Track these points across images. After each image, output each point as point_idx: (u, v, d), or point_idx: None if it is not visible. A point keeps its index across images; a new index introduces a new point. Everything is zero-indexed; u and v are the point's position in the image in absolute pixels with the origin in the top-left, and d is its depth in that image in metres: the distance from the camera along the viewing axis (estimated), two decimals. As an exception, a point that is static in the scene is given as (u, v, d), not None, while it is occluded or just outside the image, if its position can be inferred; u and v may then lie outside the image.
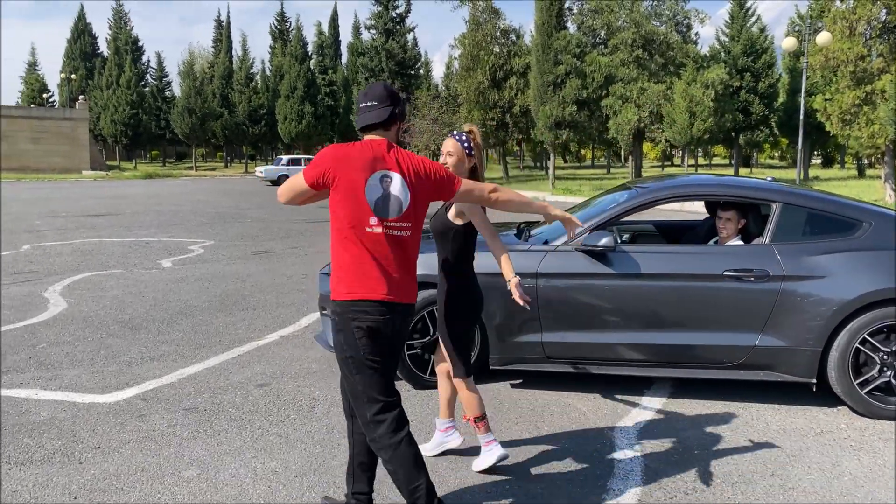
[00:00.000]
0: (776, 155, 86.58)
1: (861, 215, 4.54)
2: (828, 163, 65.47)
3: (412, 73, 46.27)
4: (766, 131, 41.15)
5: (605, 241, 4.48)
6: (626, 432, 4.17)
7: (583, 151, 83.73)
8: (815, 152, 58.18)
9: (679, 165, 74.16)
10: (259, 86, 59.75)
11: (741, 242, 4.82)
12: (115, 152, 66.74)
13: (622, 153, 68.09)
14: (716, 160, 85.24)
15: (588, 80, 27.88)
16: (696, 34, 40.87)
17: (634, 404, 4.62)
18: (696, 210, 14.67)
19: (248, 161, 61.31)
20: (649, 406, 4.59)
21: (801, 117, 20.92)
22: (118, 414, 4.45)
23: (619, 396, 4.75)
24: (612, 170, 58.64)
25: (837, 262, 4.39)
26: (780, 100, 39.82)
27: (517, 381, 5.04)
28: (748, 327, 4.46)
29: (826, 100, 22.79)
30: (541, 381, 5.02)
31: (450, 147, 3.47)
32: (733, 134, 39.00)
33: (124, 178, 46.16)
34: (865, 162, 40.91)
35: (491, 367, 4.84)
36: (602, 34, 30.17)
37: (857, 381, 4.33)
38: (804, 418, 4.40)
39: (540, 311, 4.64)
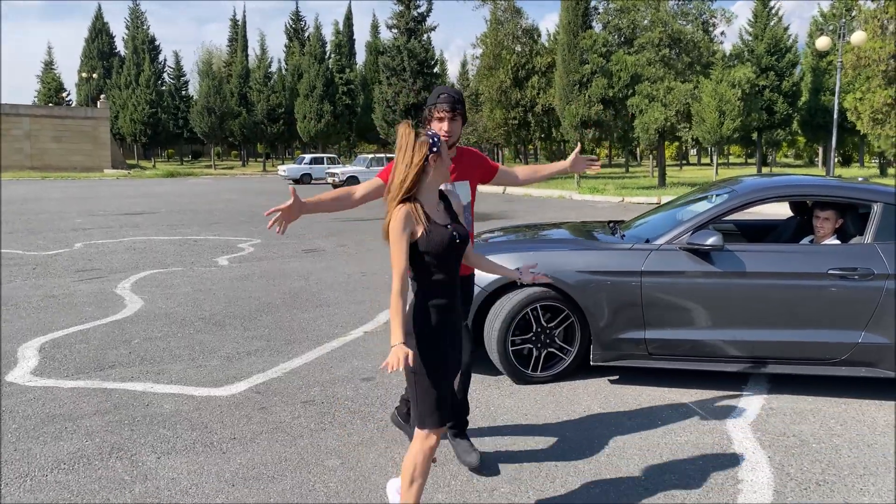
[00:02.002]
0: (791, 153, 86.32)
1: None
2: (846, 161, 65.19)
3: (433, 72, 46.38)
4: (787, 130, 41.11)
5: (712, 240, 4.60)
6: (738, 426, 4.29)
7: (598, 150, 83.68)
8: (836, 151, 57.93)
9: (695, 164, 73.96)
10: (277, 85, 60.03)
11: (838, 242, 4.92)
12: (133, 151, 67.23)
13: (639, 152, 67.98)
14: (731, 159, 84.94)
15: (614, 80, 27.96)
16: (722, 33, 40.82)
17: (738, 400, 4.74)
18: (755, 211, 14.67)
19: (266, 160, 61.58)
20: (753, 402, 4.71)
21: (835, 116, 20.93)
22: (239, 406, 4.60)
23: (720, 391, 4.87)
24: (630, 168, 58.60)
25: (941, 261, 4.49)
26: (804, 98, 39.74)
27: (615, 377, 5.17)
28: (852, 324, 4.57)
29: (857, 99, 22.80)
30: (638, 377, 5.14)
31: None
32: (756, 133, 38.99)
33: (146, 176, 46.53)
34: (886, 160, 40.80)
35: (592, 364, 4.96)
36: (627, 33, 30.23)
37: (962, 378, 4.43)
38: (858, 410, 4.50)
39: (644, 308, 4.76)
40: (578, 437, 4.12)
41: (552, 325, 4.99)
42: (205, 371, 5.34)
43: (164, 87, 65.34)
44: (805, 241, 5.21)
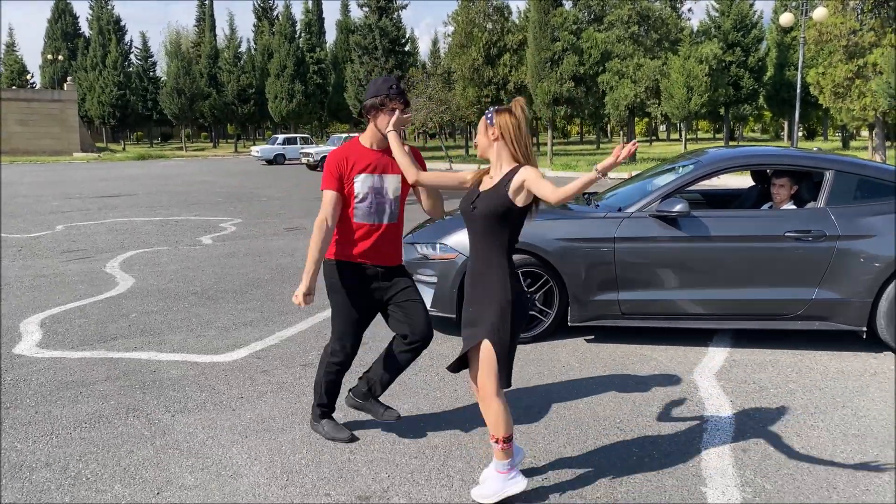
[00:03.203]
0: (758, 128, 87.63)
1: (903, 180, 5.08)
2: (810, 135, 66.45)
3: (405, 50, 46.38)
4: (753, 105, 41.85)
5: (679, 207, 4.98)
6: (704, 376, 4.70)
7: (568, 127, 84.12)
8: (799, 125, 59.03)
9: (664, 140, 74.84)
10: (247, 65, 59.44)
11: (794, 207, 5.33)
12: (102, 134, 66.25)
13: (610, 129, 68.58)
14: (699, 134, 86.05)
15: (585, 57, 28.29)
16: (690, 10, 41.15)
17: (703, 353, 5.16)
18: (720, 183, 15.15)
19: (237, 141, 61.10)
20: (717, 355, 5.13)
21: (799, 90, 21.51)
22: (242, 370, 4.91)
23: (687, 347, 5.28)
24: (601, 145, 59.18)
25: (885, 223, 4.92)
26: (769, 74, 40.47)
27: (590, 337, 5.56)
28: (806, 282, 5.00)
29: (820, 74, 23.41)
30: (612, 336, 5.54)
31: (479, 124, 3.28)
32: (723, 108, 39.67)
33: (117, 159, 46.02)
34: (848, 133, 41.82)
35: (570, 324, 5.34)
36: (597, 10, 30.51)
37: (905, 328, 4.89)
38: (857, 362, 4.95)
39: (617, 272, 5.14)
40: (559, 389, 4.50)
41: (532, 289, 5.35)
42: (204, 340, 5.63)
43: (131, 69, 64.32)
44: (765, 207, 5.62)
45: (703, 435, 3.81)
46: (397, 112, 3.47)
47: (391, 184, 3.56)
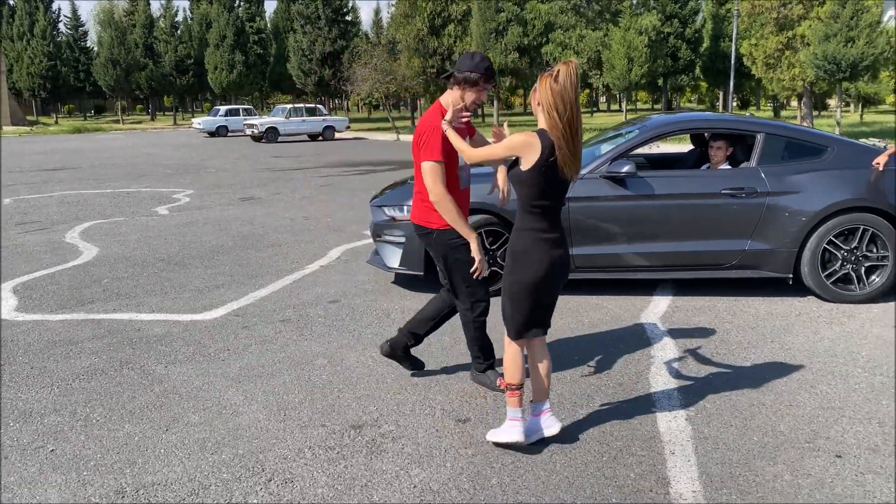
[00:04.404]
0: (694, 98, 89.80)
1: (827, 142, 5.64)
2: (744, 105, 68.57)
3: (348, 20, 45.90)
4: (690, 76, 43.02)
5: (627, 168, 5.44)
6: (650, 320, 5.21)
7: (512, 98, 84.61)
8: (734, 95, 60.85)
9: (605, 111, 76.08)
10: (184, 35, 57.84)
11: (729, 167, 5.86)
12: (32, 106, 63.73)
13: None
14: (639, 105, 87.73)
15: (529, 28, 28.65)
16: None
17: (649, 301, 5.67)
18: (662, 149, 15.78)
19: (176, 113, 59.61)
20: (661, 302, 5.65)
21: (733, 61, 22.37)
22: (224, 326, 5.20)
23: (634, 296, 5.79)
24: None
25: (809, 180, 5.49)
26: (705, 45, 41.62)
27: (547, 290, 6.01)
28: (740, 235, 5.54)
29: (752, 45, 24.35)
30: (566, 288, 5.99)
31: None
32: (661, 79, 40.70)
33: (51, 132, 44.49)
34: (780, 103, 43.44)
35: (528, 278, 5.77)
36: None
37: (825, 274, 5.48)
38: (784, 305, 5.53)
39: (571, 229, 5.59)
40: (522, 334, 4.93)
41: (494, 247, 5.76)
42: (181, 301, 5.88)
43: (60, 39, 61.84)
44: (703, 168, 6.13)
45: (650, 368, 4.30)
46: (459, 104, 3.67)
47: None
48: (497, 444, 3.31)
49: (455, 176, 3.77)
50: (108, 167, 19.05)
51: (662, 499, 2.89)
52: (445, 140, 3.61)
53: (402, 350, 4.16)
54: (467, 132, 3.86)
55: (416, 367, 4.23)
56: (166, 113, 76.85)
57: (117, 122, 57.37)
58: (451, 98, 3.72)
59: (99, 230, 9.31)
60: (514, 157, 3.15)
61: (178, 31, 57.57)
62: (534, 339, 3.34)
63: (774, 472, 3.09)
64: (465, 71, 3.62)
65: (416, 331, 4.13)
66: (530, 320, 3.25)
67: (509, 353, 3.30)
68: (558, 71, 2.98)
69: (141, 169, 18.41)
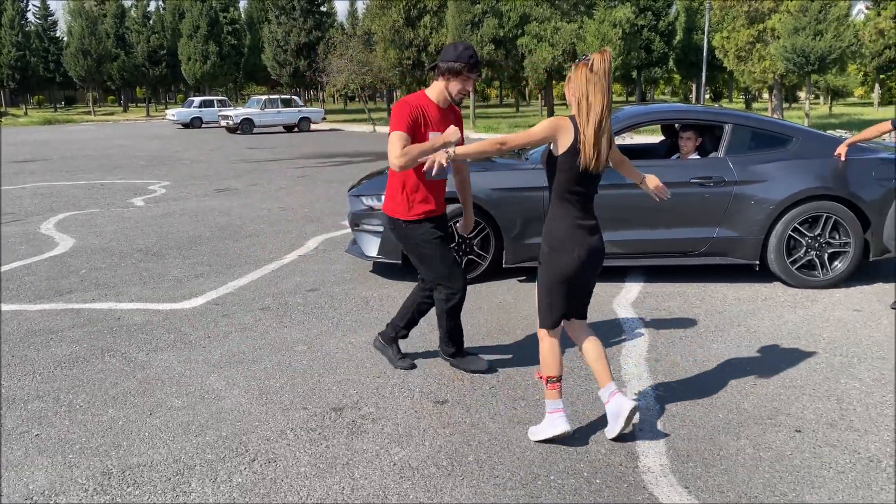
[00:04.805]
0: (668, 91, 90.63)
1: (792, 132, 5.82)
2: (717, 97, 69.34)
3: (323, 10, 45.64)
4: (663, 68, 43.41)
5: (600, 157, 5.57)
6: (622, 305, 5.36)
7: (488, 90, 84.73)
8: (706, 87, 61.54)
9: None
10: (156, 25, 57.10)
11: (698, 156, 6.02)
12: (0, 97, 62.58)
13: (528, 92, 69.57)
14: (614, 98, 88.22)
15: (504, 20, 28.76)
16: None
17: (621, 287, 5.82)
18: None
19: (149, 104, 58.88)
20: (633, 288, 5.80)
21: (705, 54, 22.67)
22: (204, 315, 5.26)
23: (607, 282, 5.94)
24: (520, 108, 60.08)
25: (775, 169, 5.66)
26: (678, 38, 42.00)
27: (522, 277, 6.14)
28: (709, 222, 5.71)
29: (724, 38, 24.67)
30: (542, 276, 6.14)
31: None
32: (635, 71, 41.00)
33: (20, 124, 43.72)
34: (752, 95, 44.00)
35: (504, 266, 5.90)
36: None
37: (790, 260, 5.67)
38: (751, 290, 5.72)
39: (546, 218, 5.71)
40: (499, 320, 5.06)
41: (471, 235, 5.87)
42: (160, 291, 5.92)
43: (29, 29, 60.71)
44: (673, 157, 6.29)
45: (622, 350, 4.45)
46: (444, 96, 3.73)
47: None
48: (543, 441, 3.26)
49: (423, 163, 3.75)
50: (81, 159, 18.85)
51: (631, 471, 3.03)
52: (415, 119, 3.63)
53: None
54: (454, 120, 3.84)
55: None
56: (139, 104, 75.87)
57: (88, 113, 56.52)
58: (436, 90, 3.75)
59: (74, 221, 9.27)
60: (551, 142, 3.12)
61: (151, 22, 56.81)
62: (574, 327, 3.37)
63: (738, 446, 3.24)
64: (448, 61, 3.64)
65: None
66: (568, 310, 3.27)
67: (545, 345, 3.27)
68: (593, 60, 2.99)
69: (115, 161, 18.24)
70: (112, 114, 58.76)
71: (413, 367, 4.18)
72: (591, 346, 3.31)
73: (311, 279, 6.23)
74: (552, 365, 3.25)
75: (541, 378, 3.30)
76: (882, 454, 3.15)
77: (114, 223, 9.11)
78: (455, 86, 3.70)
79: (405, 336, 4.26)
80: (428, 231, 3.85)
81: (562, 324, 3.33)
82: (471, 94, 32.87)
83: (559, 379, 3.25)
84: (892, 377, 3.99)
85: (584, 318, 3.38)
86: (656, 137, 15.34)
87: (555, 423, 3.22)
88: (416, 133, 3.65)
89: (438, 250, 3.87)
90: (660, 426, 3.43)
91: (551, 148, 3.14)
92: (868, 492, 2.85)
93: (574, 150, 3.05)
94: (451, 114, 3.85)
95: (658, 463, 3.10)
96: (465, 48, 3.68)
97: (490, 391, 3.86)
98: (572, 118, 3.10)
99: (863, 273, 6.04)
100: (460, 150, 3.16)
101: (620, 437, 3.27)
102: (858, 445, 3.23)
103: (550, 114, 31.44)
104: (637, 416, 3.25)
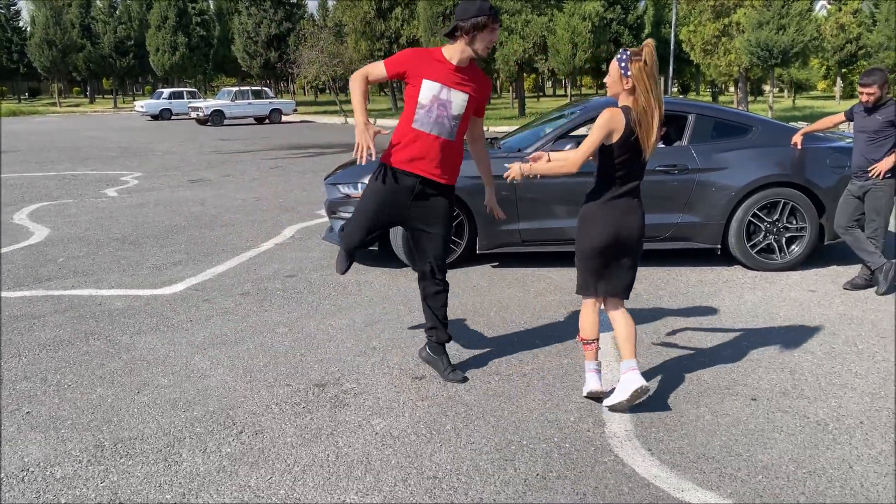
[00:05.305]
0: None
1: (752, 122, 6.09)
2: (684, 90, 70.27)
3: (293, 2, 45.36)
4: (633, 61, 43.86)
5: (570, 146, 5.77)
6: (591, 288, 5.58)
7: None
8: (674, 80, 62.33)
9: (551, 95, 76.98)
10: (123, 16, 56.19)
11: (663, 145, 6.26)
12: (-40, 89, 61.17)
13: (500, 84, 69.82)
14: (584, 90, 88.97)
15: (475, 12, 28.84)
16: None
17: (590, 272, 6.05)
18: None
19: (116, 96, 57.95)
20: (602, 273, 6.03)
21: (672, 47, 23.07)
22: (185, 300, 5.37)
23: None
24: (491, 101, 60.29)
25: (736, 157, 5.92)
26: (646, 31, 42.57)
27: (496, 263, 6.34)
28: (673, 209, 5.95)
29: (691, 32, 25.12)
30: (514, 261, 6.35)
31: (611, 67, 3.41)
32: (605, 64, 41.48)
33: (-17, 115, 42.87)
34: (719, 89, 44.77)
35: (478, 252, 6.09)
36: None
37: (749, 244, 5.94)
38: (713, 274, 5.98)
39: (518, 205, 5.91)
40: (474, 303, 5.25)
41: (444, 222, 6.05)
42: (139, 278, 6.01)
43: (-11, 18, 59.42)
44: (640, 147, 6.52)
45: (591, 329, 4.66)
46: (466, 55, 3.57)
47: (457, 100, 3.58)
48: (616, 406, 3.44)
49: (412, 112, 3.60)
50: (50, 150, 18.65)
51: (598, 437, 3.24)
52: (413, 64, 3.57)
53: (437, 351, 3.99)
54: (478, 85, 3.67)
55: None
56: (105, 96, 74.68)
57: (54, 105, 55.51)
58: (455, 50, 3.56)
59: (48, 212, 9.26)
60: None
61: (117, 12, 55.91)
62: (608, 306, 3.55)
63: (697, 413, 3.47)
64: (470, 17, 3.46)
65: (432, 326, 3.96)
66: (598, 284, 3.49)
67: (582, 311, 3.58)
68: (645, 55, 3.24)
69: (85, 152, 18.08)
70: (78, 105, 57.79)
71: (465, 380, 3.86)
72: (620, 326, 3.52)
73: (288, 266, 6.36)
74: (585, 328, 3.56)
75: (581, 340, 3.57)
76: (829, 418, 3.40)
77: (88, 213, 9.12)
78: (482, 41, 3.51)
79: (444, 338, 3.92)
80: (381, 181, 3.68)
81: (596, 298, 3.55)
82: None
83: (592, 341, 3.55)
84: (842, 350, 4.27)
85: (621, 297, 3.55)
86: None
87: (592, 380, 3.54)
88: (398, 75, 3.61)
89: (369, 204, 3.70)
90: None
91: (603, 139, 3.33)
92: (815, 451, 3.10)
93: (627, 138, 3.30)
94: (474, 75, 3.64)
95: (623, 428, 3.31)
96: (476, 5, 3.47)
97: (465, 366, 4.05)
98: (623, 109, 3.31)
99: (818, 256, 6.34)
100: (539, 167, 3.40)
101: (615, 409, 3.45)
102: (808, 411, 3.48)
103: (522, 105, 31.70)
104: (643, 398, 3.46)
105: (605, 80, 3.45)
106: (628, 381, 3.39)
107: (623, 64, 3.27)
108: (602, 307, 3.59)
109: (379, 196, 3.71)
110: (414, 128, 3.61)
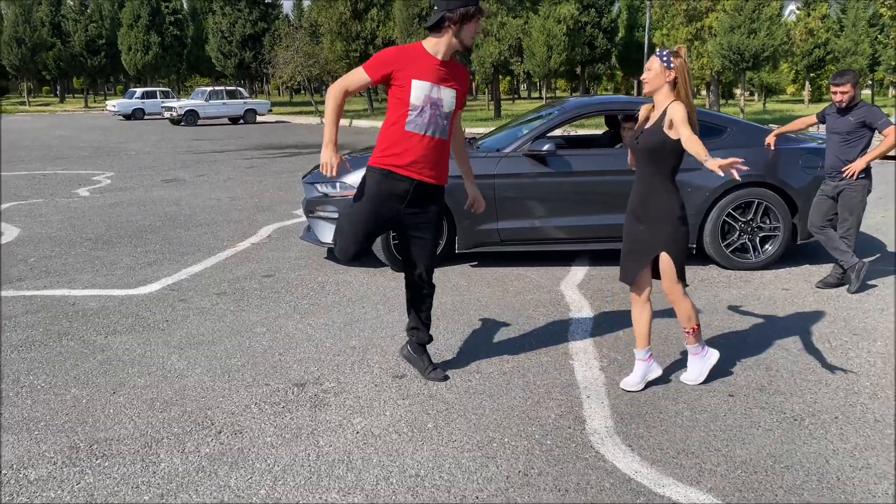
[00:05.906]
0: (611, 87, 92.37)
1: (726, 123, 6.17)
2: (659, 94, 70.94)
3: (268, 2, 45.06)
4: (606, 64, 44.42)
5: (547, 146, 5.81)
6: (569, 287, 5.61)
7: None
8: (649, 84, 62.81)
9: (526, 98, 77.32)
10: (95, 14, 55.37)
11: (640, 147, 6.31)
12: (-75, 87, 59.82)
13: (475, 86, 69.97)
14: (558, 93, 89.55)
15: (451, 14, 28.90)
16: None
17: (568, 271, 6.08)
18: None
19: (87, 95, 57.07)
20: (579, 271, 6.07)
21: (646, 50, 23.30)
22: (161, 300, 5.30)
23: (554, 266, 6.19)
24: (467, 102, 60.33)
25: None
26: (620, 34, 42.97)
27: (475, 263, 6.35)
28: (650, 209, 6.00)
29: (664, 35, 25.40)
30: (493, 260, 6.36)
31: (651, 63, 3.50)
32: (579, 67, 41.87)
33: (-52, 114, 41.99)
34: (693, 92, 45.35)
35: (457, 252, 6.10)
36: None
37: (724, 244, 6.01)
38: (688, 273, 5.96)
39: (497, 204, 5.93)
40: (453, 303, 5.25)
41: (423, 221, 6.04)
42: (113, 278, 5.92)
43: (-44, 15, 58.11)
44: (617, 147, 6.57)
45: (569, 327, 4.69)
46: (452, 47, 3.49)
47: (447, 98, 3.51)
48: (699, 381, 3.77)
49: (404, 114, 3.48)
50: (19, 149, 18.31)
51: (579, 433, 3.26)
52: (386, 61, 3.44)
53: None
54: (461, 78, 3.58)
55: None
56: (76, 95, 73.58)
57: (23, 104, 54.52)
58: (437, 43, 3.47)
59: (18, 211, 9.09)
60: (658, 127, 3.47)
61: (89, 10, 55.07)
62: (646, 292, 3.76)
63: (676, 409, 3.50)
64: (459, 7, 3.38)
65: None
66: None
67: (686, 300, 3.72)
68: (681, 56, 3.42)
69: (55, 151, 17.79)
70: (48, 104, 56.80)
71: (446, 378, 3.84)
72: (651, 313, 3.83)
73: (265, 266, 6.31)
74: (694, 314, 3.73)
75: (695, 328, 3.72)
76: (805, 413, 3.45)
77: (59, 213, 8.98)
78: (468, 31, 3.44)
79: (425, 339, 3.91)
80: (372, 187, 3.55)
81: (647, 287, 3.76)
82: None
83: (699, 326, 3.77)
84: (815, 347, 4.33)
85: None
86: (601, 129, 15.77)
87: (709, 355, 3.81)
88: (383, 79, 3.47)
89: (361, 211, 3.56)
90: (604, 394, 3.67)
91: (668, 132, 3.42)
92: (792, 446, 3.14)
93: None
94: (456, 70, 3.56)
95: (604, 425, 3.33)
96: None
97: (445, 364, 4.04)
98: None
99: (791, 255, 6.44)
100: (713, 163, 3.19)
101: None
102: (784, 406, 3.53)
103: (497, 108, 31.77)
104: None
105: (642, 78, 3.55)
106: (648, 369, 3.76)
107: (666, 58, 3.41)
108: (646, 296, 3.77)
109: (370, 202, 3.55)
110: (408, 130, 3.48)
